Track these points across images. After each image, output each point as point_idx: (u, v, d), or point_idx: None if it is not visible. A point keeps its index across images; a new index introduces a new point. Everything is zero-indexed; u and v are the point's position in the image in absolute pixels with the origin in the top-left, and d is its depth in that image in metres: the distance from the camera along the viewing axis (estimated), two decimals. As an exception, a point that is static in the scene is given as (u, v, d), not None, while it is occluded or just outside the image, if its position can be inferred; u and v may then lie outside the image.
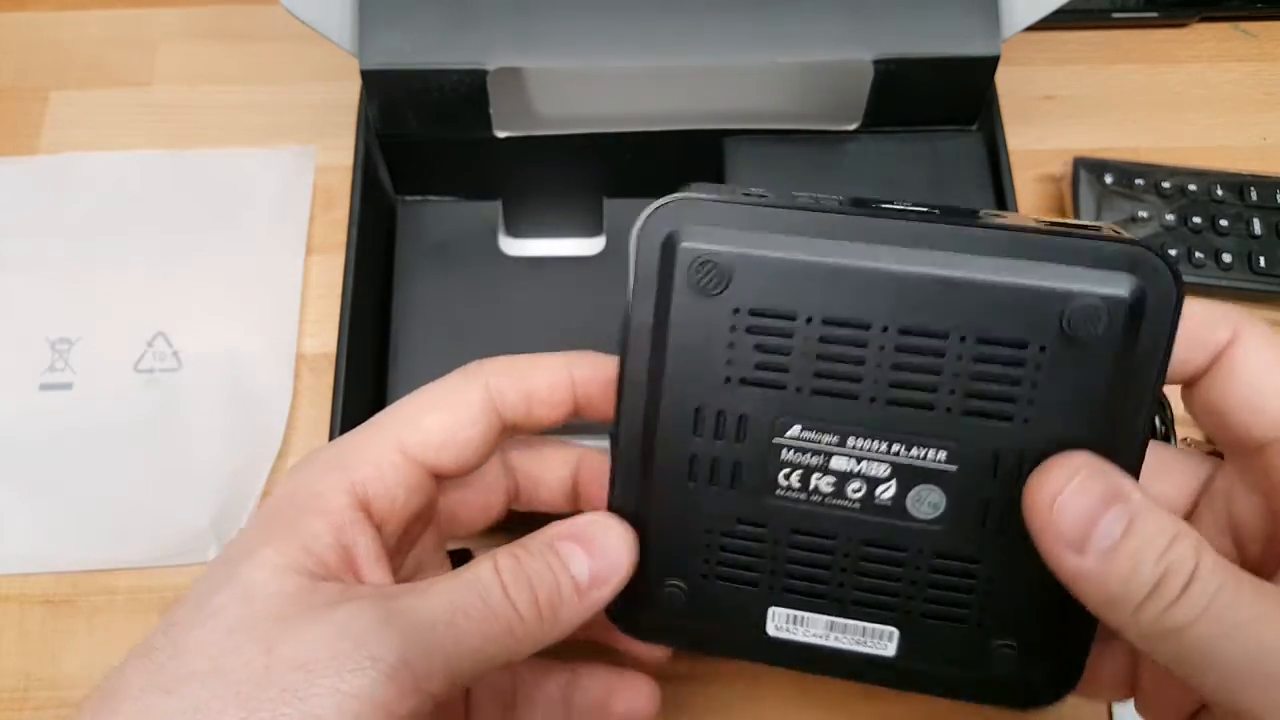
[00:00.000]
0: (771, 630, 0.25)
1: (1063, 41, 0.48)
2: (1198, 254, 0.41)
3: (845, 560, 0.24)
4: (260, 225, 0.44)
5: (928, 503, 0.24)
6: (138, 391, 0.41)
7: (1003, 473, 0.23)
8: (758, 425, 0.24)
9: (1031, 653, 0.24)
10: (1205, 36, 0.48)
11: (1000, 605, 0.24)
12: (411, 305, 0.39)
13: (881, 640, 0.25)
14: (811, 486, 0.24)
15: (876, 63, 0.34)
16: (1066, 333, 0.22)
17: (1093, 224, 0.23)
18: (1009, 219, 0.23)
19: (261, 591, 0.21)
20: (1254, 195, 0.42)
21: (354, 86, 0.37)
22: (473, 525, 0.29)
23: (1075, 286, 0.22)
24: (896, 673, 0.25)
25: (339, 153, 0.40)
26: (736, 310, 0.23)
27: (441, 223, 0.40)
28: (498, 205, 0.40)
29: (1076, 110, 0.47)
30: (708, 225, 0.23)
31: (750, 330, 0.23)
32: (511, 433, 0.27)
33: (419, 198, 0.40)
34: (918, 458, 0.23)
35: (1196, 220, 0.42)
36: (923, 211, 0.23)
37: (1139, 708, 0.26)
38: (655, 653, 0.29)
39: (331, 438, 0.31)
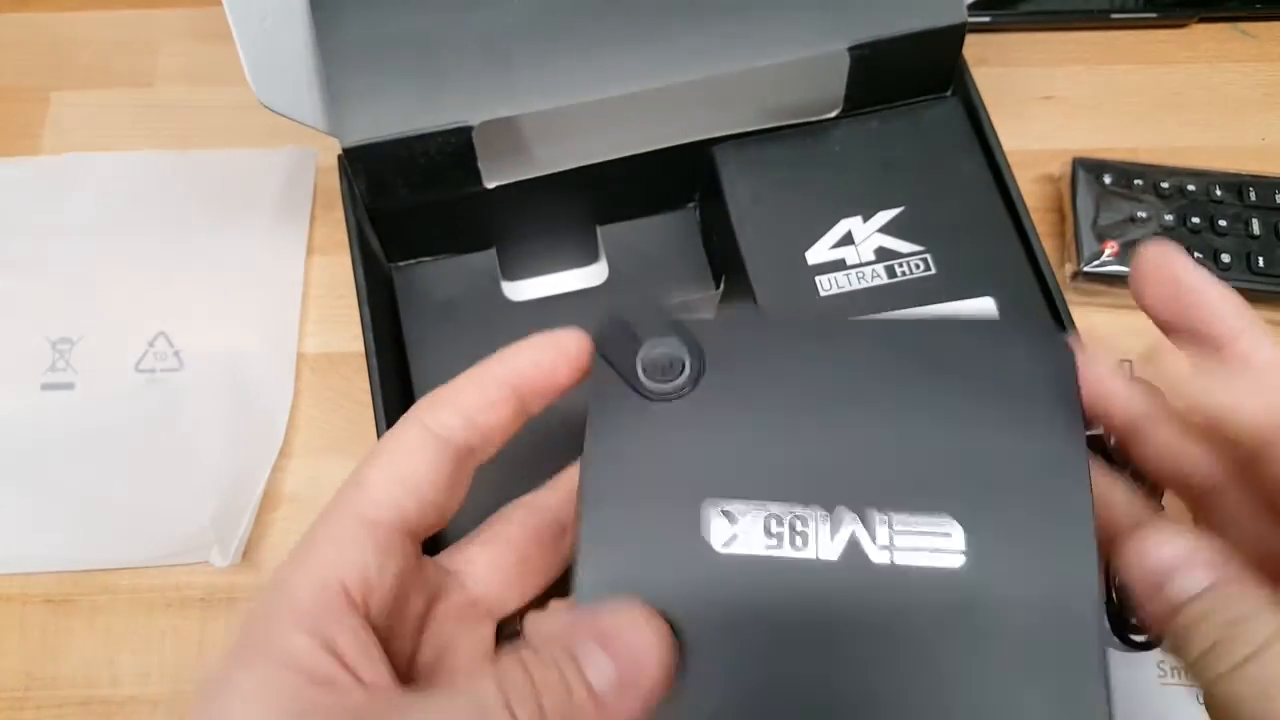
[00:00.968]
0: None
1: (1062, 42, 0.48)
2: (1196, 254, 0.41)
3: None
4: (261, 226, 0.44)
5: None
6: (139, 391, 0.41)
7: None
8: None
9: None
10: (1204, 37, 0.48)
11: None
12: (429, 370, 0.38)
13: None
14: None
15: (851, 49, 0.35)
16: None
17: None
18: None
19: None
20: (1253, 195, 0.42)
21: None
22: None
23: None
24: None
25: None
26: None
27: (441, 281, 0.39)
28: (493, 254, 0.40)
29: (1075, 110, 0.47)
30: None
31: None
32: (475, 459, 0.25)
33: (413, 261, 0.40)
34: None
35: (1195, 220, 0.42)
36: None
37: None
38: None
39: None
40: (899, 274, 0.35)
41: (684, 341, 0.23)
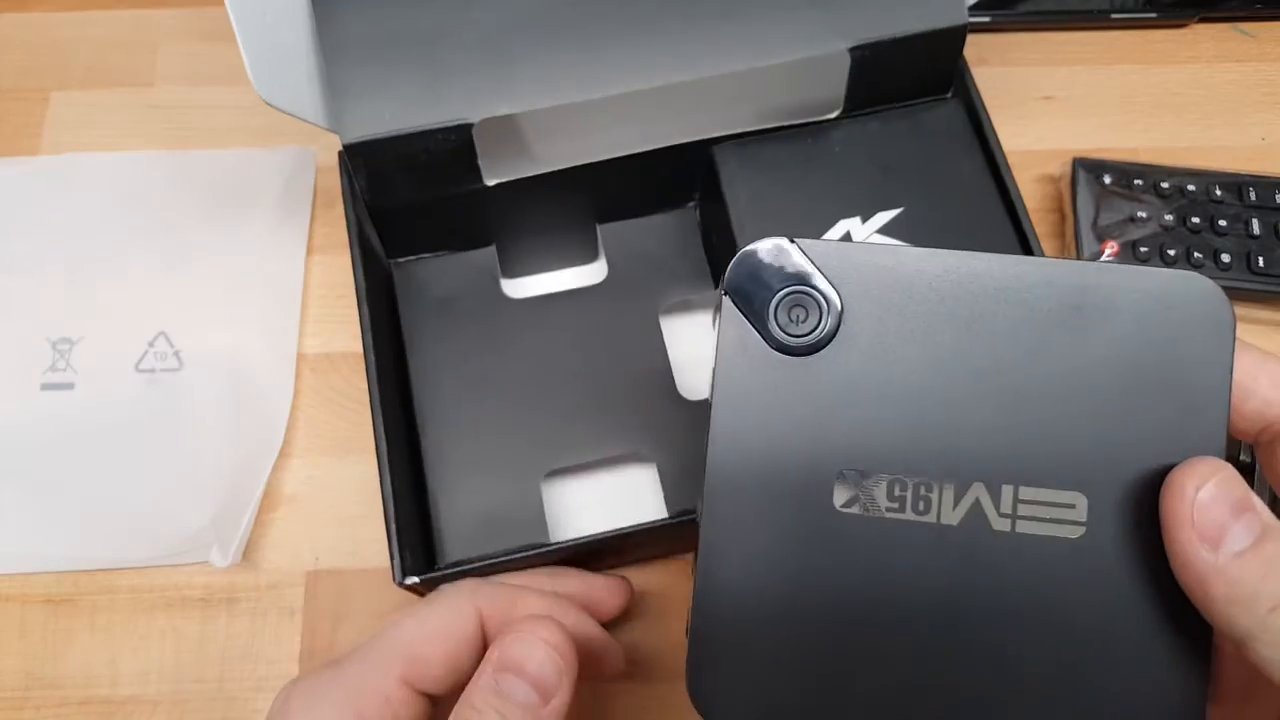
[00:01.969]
0: None
1: (1062, 42, 0.48)
2: (1196, 254, 0.41)
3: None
4: (261, 225, 0.44)
5: None
6: (139, 391, 0.41)
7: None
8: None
9: None
10: (1204, 37, 0.48)
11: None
12: (427, 366, 0.38)
13: None
14: None
15: (852, 50, 0.35)
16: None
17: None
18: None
19: None
20: (1253, 195, 0.42)
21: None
22: None
23: None
24: None
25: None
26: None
27: (440, 278, 0.40)
28: (492, 251, 0.40)
29: (1076, 110, 0.47)
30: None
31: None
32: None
33: (412, 257, 0.40)
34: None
35: (1195, 220, 0.42)
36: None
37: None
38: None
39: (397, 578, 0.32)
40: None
41: (820, 291, 0.22)
